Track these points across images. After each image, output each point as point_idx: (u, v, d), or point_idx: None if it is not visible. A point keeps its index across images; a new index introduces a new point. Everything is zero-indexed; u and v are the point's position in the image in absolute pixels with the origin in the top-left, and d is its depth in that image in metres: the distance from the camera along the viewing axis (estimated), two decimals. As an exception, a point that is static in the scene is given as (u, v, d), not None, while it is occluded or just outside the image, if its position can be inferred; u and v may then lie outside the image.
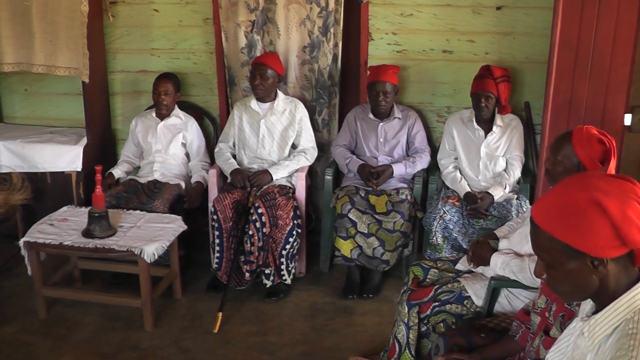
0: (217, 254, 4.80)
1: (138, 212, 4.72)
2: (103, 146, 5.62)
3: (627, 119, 4.36)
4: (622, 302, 1.74)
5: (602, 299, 1.79)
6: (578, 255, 1.73)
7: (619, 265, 1.75)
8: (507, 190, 4.76)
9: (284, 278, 4.79)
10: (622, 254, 1.73)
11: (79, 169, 5.31)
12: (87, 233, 4.35)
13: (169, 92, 5.14)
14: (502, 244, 3.45)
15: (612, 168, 3.00)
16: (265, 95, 5.03)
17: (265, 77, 4.93)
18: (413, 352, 3.45)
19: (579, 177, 1.82)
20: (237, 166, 5.06)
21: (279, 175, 4.97)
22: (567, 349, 1.98)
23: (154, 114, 5.26)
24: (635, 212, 1.71)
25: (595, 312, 1.82)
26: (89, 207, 4.41)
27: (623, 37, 4.14)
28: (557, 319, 2.50)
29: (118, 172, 5.25)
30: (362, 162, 5.04)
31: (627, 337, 1.68)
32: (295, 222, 4.78)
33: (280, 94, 5.13)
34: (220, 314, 4.40)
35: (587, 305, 1.90)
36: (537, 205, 1.84)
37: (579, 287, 1.80)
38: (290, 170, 5.03)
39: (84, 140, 5.38)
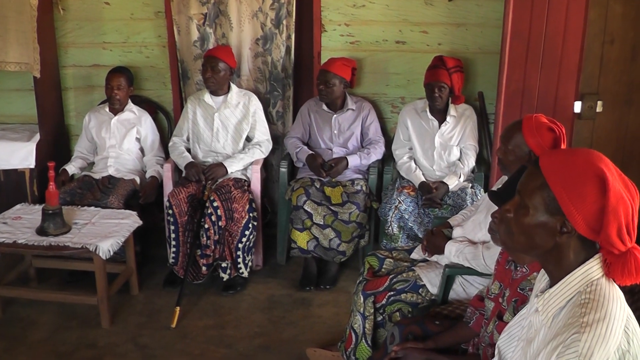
0: (173, 249, 4.77)
1: (93, 208, 4.68)
2: (56, 142, 5.56)
3: (577, 107, 4.43)
4: (576, 276, 1.78)
5: (557, 273, 1.82)
6: (556, 212, 1.75)
7: (581, 245, 1.78)
8: (462, 179, 4.81)
9: (240, 271, 4.79)
10: (589, 238, 1.76)
11: (32, 166, 5.24)
12: (41, 231, 4.29)
13: (121, 86, 5.10)
14: (456, 232, 3.49)
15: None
16: (218, 88, 5.01)
17: (216, 70, 4.91)
18: (370, 342, 3.46)
19: (600, 154, 1.84)
20: (192, 160, 5.03)
21: (233, 168, 4.96)
22: (521, 332, 2.01)
23: (107, 109, 5.22)
24: (625, 211, 1.73)
25: (550, 287, 1.86)
26: (43, 205, 4.36)
27: (573, 26, 4.20)
28: (510, 304, 2.53)
29: (72, 168, 5.19)
30: (311, 152, 5.06)
31: (579, 306, 1.71)
32: (251, 214, 4.78)
33: (233, 87, 5.11)
34: (177, 309, 4.38)
35: (542, 283, 1.93)
36: (550, 153, 1.85)
37: (533, 242, 1.82)
38: (245, 163, 5.02)
39: (37, 137, 5.31)
